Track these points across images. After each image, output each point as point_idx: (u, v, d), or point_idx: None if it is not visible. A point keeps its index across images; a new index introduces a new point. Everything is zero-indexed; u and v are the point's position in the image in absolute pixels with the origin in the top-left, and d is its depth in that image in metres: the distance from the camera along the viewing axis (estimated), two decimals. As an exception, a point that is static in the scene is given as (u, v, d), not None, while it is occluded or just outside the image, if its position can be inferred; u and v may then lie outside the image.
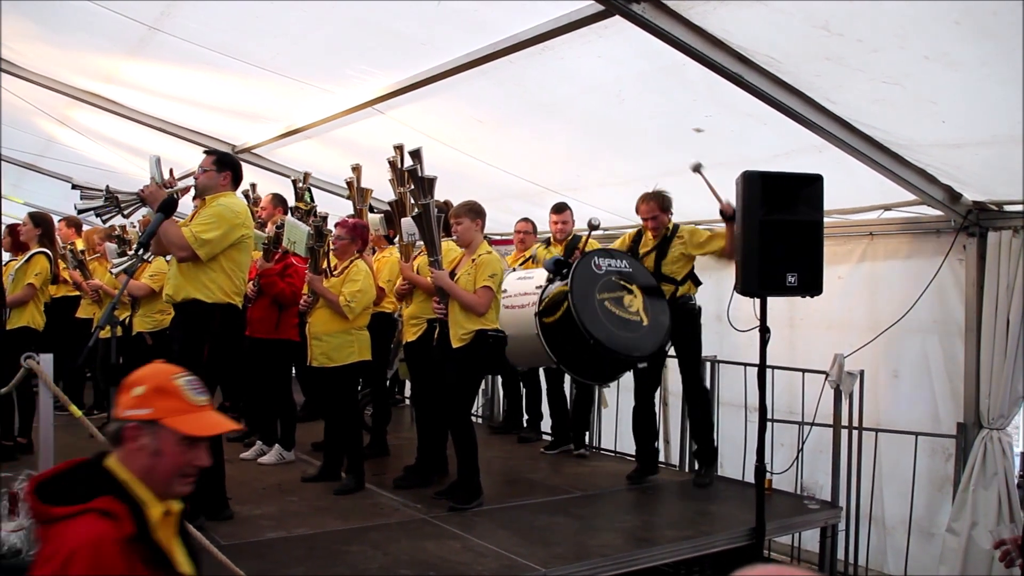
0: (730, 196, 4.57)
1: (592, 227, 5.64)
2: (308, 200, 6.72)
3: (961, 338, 5.10)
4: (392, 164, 5.57)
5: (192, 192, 4.74)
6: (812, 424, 5.49)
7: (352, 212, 6.18)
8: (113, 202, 4.60)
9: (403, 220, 5.42)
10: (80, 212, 5.71)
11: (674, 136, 5.29)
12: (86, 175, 9.23)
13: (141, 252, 3.85)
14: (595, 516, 4.87)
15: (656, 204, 5.43)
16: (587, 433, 6.75)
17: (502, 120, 5.90)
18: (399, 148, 5.47)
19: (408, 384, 7.66)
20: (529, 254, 6.56)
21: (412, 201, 5.12)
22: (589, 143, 6.01)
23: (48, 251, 6.22)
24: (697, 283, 5.58)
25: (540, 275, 5.60)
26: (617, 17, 3.73)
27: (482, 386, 7.50)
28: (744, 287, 4.50)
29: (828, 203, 4.58)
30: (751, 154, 4.96)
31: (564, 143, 6.09)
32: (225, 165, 4.62)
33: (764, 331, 4.52)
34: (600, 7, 3.76)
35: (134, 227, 7.14)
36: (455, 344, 4.80)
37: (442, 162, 5.89)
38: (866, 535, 5.35)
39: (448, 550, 4.11)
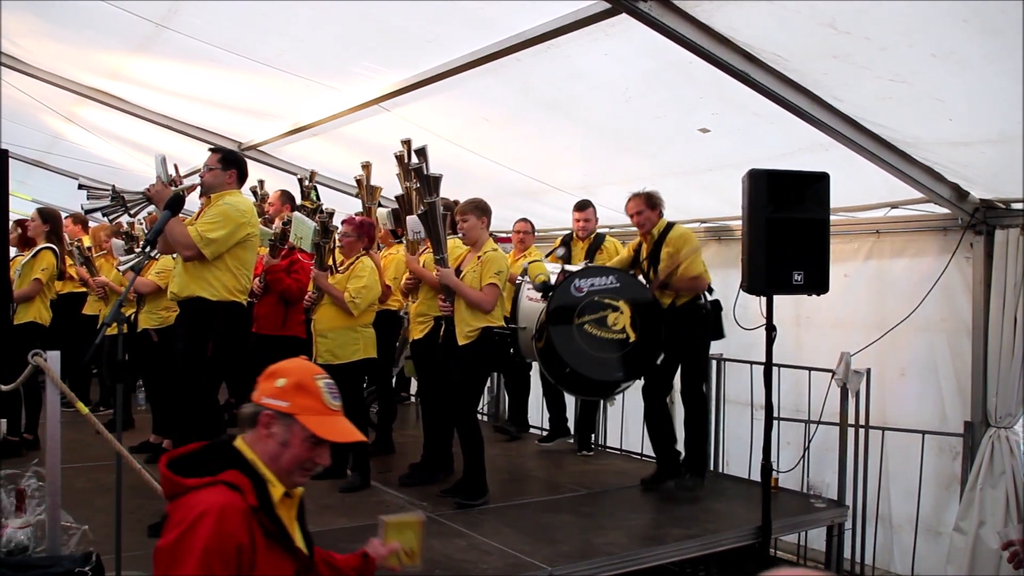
0: (737, 195, 4.55)
1: (560, 258, 5.87)
2: (314, 199, 6.73)
3: (968, 336, 5.08)
4: (399, 159, 5.58)
5: (198, 190, 4.75)
6: (819, 422, 5.47)
7: (361, 210, 6.18)
8: (119, 202, 4.63)
9: (408, 218, 5.41)
10: (87, 212, 5.73)
11: (680, 134, 5.28)
12: (92, 172, 9.30)
13: (148, 249, 3.87)
14: (601, 514, 4.86)
15: (642, 200, 5.31)
16: (592, 435, 6.71)
17: (508, 118, 5.89)
18: (407, 143, 5.47)
19: (414, 382, 7.66)
20: (533, 255, 6.46)
21: (418, 199, 5.13)
22: (595, 141, 6.00)
23: (55, 247, 6.25)
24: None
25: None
26: (624, 15, 3.73)
27: (487, 384, 7.50)
28: (750, 285, 4.48)
29: (835, 201, 4.55)
30: (757, 152, 4.94)
31: (570, 141, 6.08)
32: (230, 163, 4.62)
33: (770, 329, 4.50)
34: (607, 5, 3.75)
35: (140, 224, 7.15)
36: (461, 341, 4.80)
37: (448, 160, 5.90)
38: (873, 534, 5.33)
39: (454, 548, 4.11)
